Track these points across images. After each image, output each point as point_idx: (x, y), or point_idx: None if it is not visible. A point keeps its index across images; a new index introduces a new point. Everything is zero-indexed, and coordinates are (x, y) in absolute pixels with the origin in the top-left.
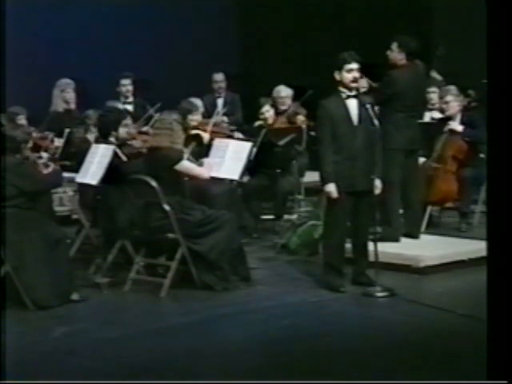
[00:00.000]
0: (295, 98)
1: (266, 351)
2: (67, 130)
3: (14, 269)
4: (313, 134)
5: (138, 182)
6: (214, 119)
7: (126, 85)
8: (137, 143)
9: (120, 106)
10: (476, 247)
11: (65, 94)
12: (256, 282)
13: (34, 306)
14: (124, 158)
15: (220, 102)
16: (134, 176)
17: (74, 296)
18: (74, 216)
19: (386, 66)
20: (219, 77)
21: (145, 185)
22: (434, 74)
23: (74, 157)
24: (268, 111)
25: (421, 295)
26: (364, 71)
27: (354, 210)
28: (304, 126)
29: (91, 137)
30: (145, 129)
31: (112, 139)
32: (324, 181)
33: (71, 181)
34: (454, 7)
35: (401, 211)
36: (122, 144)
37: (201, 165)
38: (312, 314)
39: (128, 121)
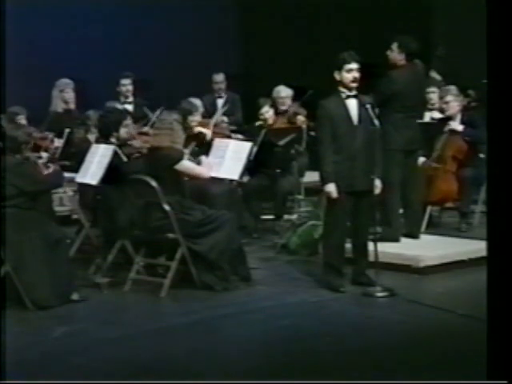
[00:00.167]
0: (295, 98)
1: (266, 351)
2: (67, 130)
3: (14, 269)
4: (313, 134)
5: (138, 181)
6: (215, 119)
7: (126, 84)
8: (137, 143)
9: (119, 106)
10: (476, 247)
11: (64, 94)
12: (256, 282)
13: (34, 306)
14: (124, 158)
15: (220, 102)
16: (134, 176)
17: (74, 296)
18: (74, 216)
19: (386, 66)
20: (219, 77)
21: (145, 185)
22: (434, 74)
23: (74, 157)
24: (267, 112)
25: (421, 295)
26: (364, 71)
27: (353, 210)
28: (304, 126)
29: (92, 137)
30: (145, 129)
31: (113, 140)
32: (324, 181)
33: (71, 181)
34: (454, 7)
35: (401, 211)
36: (122, 144)
37: (199, 162)
38: (312, 314)
39: (128, 121)
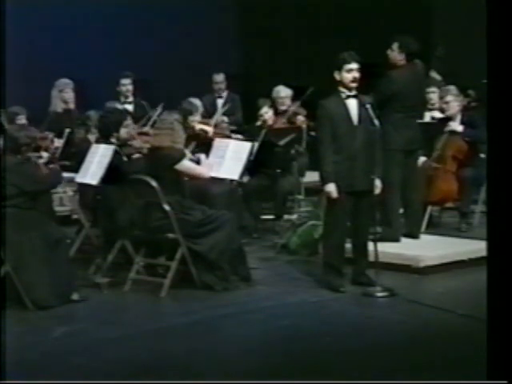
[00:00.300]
0: (295, 98)
1: (266, 351)
2: (67, 130)
3: (14, 269)
4: (313, 134)
5: (138, 181)
6: (215, 119)
7: (126, 84)
8: (137, 143)
9: (120, 106)
10: (476, 247)
11: (63, 94)
12: (256, 282)
13: (34, 306)
14: (124, 158)
15: (220, 102)
16: (134, 176)
17: (74, 296)
18: (74, 216)
19: (386, 66)
20: (219, 77)
21: (145, 185)
22: (434, 74)
23: (74, 157)
24: (267, 112)
25: (421, 295)
26: (364, 71)
27: (354, 210)
28: (304, 126)
29: (92, 137)
30: (145, 129)
31: (113, 140)
32: (324, 181)
33: (71, 181)
34: (454, 7)
35: (401, 211)
36: (122, 144)
37: (198, 160)
38: (312, 314)
39: (128, 121)
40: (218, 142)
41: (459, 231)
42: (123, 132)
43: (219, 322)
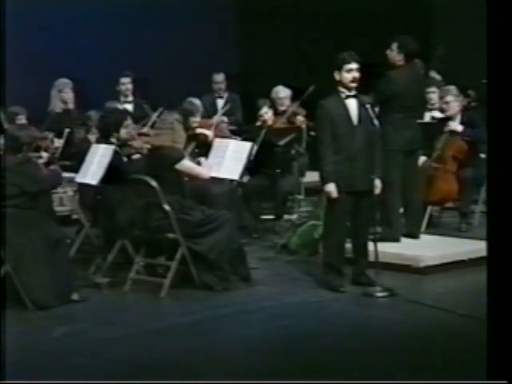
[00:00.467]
0: (294, 98)
1: (265, 351)
2: (67, 130)
3: (14, 269)
4: (313, 134)
5: (138, 181)
6: (216, 120)
7: (126, 83)
8: (137, 143)
9: (120, 106)
10: (476, 247)
11: (63, 94)
12: (256, 282)
13: (34, 306)
14: (124, 158)
15: (220, 102)
16: (134, 176)
17: (74, 296)
18: (74, 216)
19: (385, 66)
20: (219, 77)
21: (145, 185)
22: (434, 74)
23: (74, 157)
24: (267, 113)
25: (421, 295)
26: (364, 71)
27: (353, 209)
28: (304, 126)
29: (92, 138)
30: (144, 129)
31: (113, 140)
32: (324, 181)
33: (71, 181)
34: (454, 7)
35: (401, 211)
36: (122, 144)
37: (198, 163)
38: (312, 314)
39: (128, 121)
40: (217, 142)
41: (459, 231)
42: (123, 132)
43: (219, 322)
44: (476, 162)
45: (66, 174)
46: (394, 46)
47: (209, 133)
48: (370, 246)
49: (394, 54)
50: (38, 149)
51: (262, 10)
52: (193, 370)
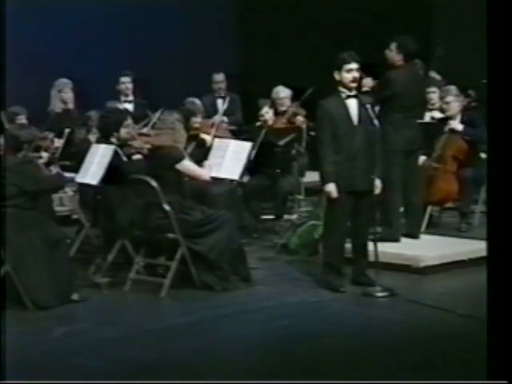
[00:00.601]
0: (294, 98)
1: (265, 351)
2: (67, 130)
3: (14, 269)
4: (313, 134)
5: (138, 181)
6: (217, 121)
7: (126, 82)
8: (137, 143)
9: (120, 106)
10: (476, 247)
11: (62, 94)
12: (256, 282)
13: (34, 306)
14: (124, 158)
15: (220, 102)
16: (134, 176)
17: (74, 296)
18: (74, 216)
19: (385, 66)
20: (219, 77)
21: (145, 185)
22: (433, 74)
23: (74, 157)
24: (267, 113)
25: (421, 295)
26: (364, 71)
27: (353, 209)
28: (304, 126)
29: (93, 138)
30: (144, 130)
31: (113, 140)
32: (324, 181)
33: (71, 181)
34: (454, 7)
35: (401, 210)
36: (122, 144)
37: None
38: (312, 314)
39: (129, 121)
40: (218, 142)
41: (459, 231)
42: (123, 132)
43: (219, 322)
44: (476, 161)
45: (66, 174)
46: (393, 46)
47: (208, 138)
48: (370, 246)
49: (393, 54)
50: (38, 149)
51: (262, 10)
52: (193, 370)
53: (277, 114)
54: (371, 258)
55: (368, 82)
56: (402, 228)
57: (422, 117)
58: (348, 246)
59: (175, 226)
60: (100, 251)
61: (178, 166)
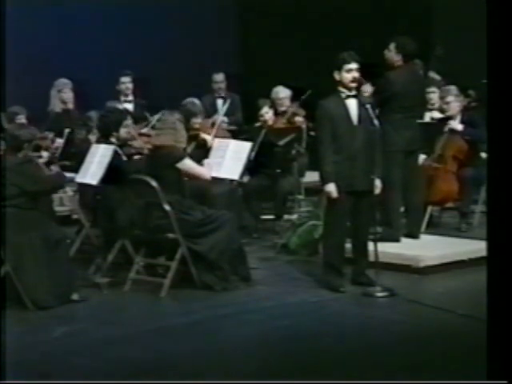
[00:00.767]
0: (294, 98)
1: (265, 351)
2: (67, 130)
3: (14, 269)
4: (313, 134)
5: (138, 182)
6: (217, 122)
7: (126, 82)
8: (137, 143)
9: (120, 105)
10: (476, 247)
11: (62, 94)
12: (256, 282)
13: (34, 306)
14: (124, 158)
15: (220, 102)
16: (134, 176)
17: (74, 296)
18: (74, 216)
19: (384, 67)
20: (219, 77)
21: (145, 185)
22: (433, 74)
23: (74, 157)
24: (267, 113)
25: (421, 295)
26: (364, 71)
27: (353, 209)
28: (304, 127)
29: (93, 138)
30: (144, 130)
31: (113, 140)
32: (324, 181)
33: (71, 181)
34: (454, 7)
35: (402, 210)
36: (122, 144)
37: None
38: (312, 314)
39: (129, 121)
40: (217, 142)
41: (459, 231)
42: (123, 132)
43: (219, 322)
44: (476, 161)
45: (66, 174)
46: (392, 46)
47: (208, 138)
48: (370, 246)
49: (392, 55)
50: (38, 148)
51: (262, 10)
52: (193, 370)
53: (277, 114)
54: (371, 257)
55: (367, 88)
56: (402, 228)
57: (421, 117)
58: (348, 245)
59: (175, 225)
60: (100, 251)
61: (179, 165)
